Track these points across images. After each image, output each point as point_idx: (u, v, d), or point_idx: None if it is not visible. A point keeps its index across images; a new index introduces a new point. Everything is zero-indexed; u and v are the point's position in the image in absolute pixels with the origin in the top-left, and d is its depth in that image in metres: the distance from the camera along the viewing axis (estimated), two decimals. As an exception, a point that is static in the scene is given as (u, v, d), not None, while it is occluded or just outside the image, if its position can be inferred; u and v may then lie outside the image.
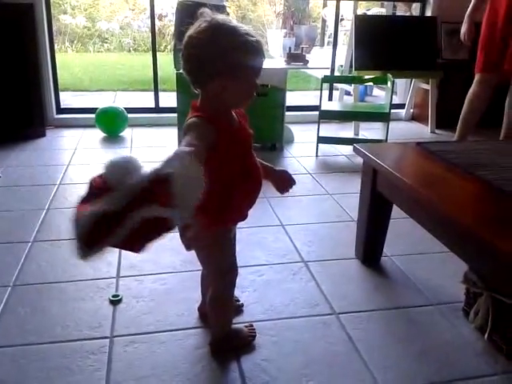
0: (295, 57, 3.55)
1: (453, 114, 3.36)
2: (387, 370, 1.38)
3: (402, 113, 4.47)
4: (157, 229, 0.93)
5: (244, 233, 2.01)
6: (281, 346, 1.46)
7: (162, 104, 4.24)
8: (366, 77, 3.60)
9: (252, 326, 1.52)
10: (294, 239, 2.13)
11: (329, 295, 1.72)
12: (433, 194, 1.46)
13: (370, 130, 3.89)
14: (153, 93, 4.21)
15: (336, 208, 2.48)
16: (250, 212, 1.30)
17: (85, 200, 0.94)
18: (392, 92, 3.31)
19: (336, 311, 1.63)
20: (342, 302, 1.68)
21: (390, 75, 3.33)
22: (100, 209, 0.87)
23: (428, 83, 4.06)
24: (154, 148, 3.44)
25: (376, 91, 5.84)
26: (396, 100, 4.54)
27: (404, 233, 2.11)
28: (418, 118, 4.43)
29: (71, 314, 1.59)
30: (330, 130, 3.81)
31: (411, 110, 4.47)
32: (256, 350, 1.44)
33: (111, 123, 3.74)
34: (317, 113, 3.34)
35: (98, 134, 3.73)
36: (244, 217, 1.31)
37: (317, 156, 3.34)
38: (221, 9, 3.46)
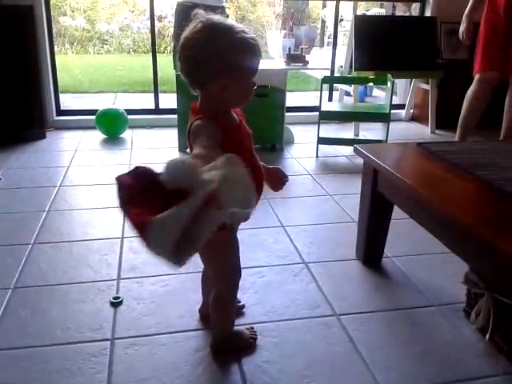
0: (295, 57, 3.55)
1: (453, 114, 3.36)
2: (389, 371, 1.38)
3: (402, 113, 4.46)
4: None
5: (244, 234, 2.00)
6: (282, 347, 1.46)
7: (162, 105, 4.24)
8: (366, 77, 3.61)
9: (253, 328, 1.52)
10: (295, 240, 2.12)
11: (330, 296, 1.72)
12: (433, 194, 1.46)
13: (370, 131, 3.89)
14: (153, 94, 4.21)
15: (336, 209, 2.48)
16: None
17: (128, 203, 0.90)
18: (392, 92, 3.31)
19: (337, 312, 1.63)
20: (342, 303, 1.68)
21: (389, 75, 3.33)
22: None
23: (428, 83, 4.05)
24: (154, 149, 3.44)
25: (376, 92, 5.84)
26: (396, 100, 4.54)
27: (405, 233, 2.11)
28: (418, 118, 4.42)
29: (72, 316, 1.59)
30: (330, 130, 3.81)
31: (411, 111, 4.47)
32: (257, 352, 1.44)
33: (111, 125, 3.74)
34: (317, 113, 3.34)
35: (98, 135, 3.73)
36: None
37: (317, 157, 3.34)
38: (220, 10, 3.46)
